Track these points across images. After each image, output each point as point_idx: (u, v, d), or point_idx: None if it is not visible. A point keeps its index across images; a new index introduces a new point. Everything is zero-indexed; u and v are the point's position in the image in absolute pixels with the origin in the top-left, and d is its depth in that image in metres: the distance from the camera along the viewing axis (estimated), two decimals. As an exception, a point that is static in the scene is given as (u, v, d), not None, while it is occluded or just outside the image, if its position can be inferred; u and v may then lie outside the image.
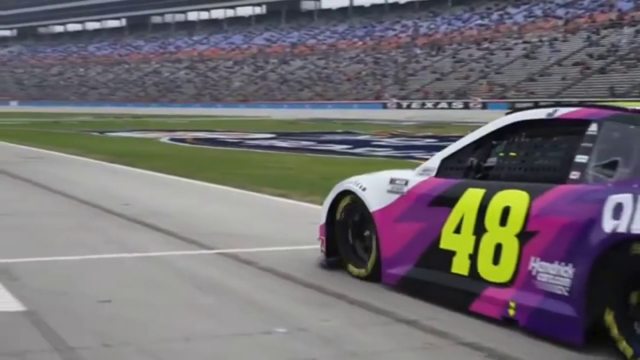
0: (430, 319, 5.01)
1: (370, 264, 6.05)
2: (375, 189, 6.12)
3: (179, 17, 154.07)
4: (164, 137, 34.66)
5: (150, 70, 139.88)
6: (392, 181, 6.02)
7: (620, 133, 4.78)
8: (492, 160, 5.53)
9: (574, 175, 4.80)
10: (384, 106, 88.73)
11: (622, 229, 4.23)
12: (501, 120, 5.56)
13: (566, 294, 4.55)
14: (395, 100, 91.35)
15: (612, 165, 4.70)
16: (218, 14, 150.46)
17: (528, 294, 4.79)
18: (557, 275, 4.62)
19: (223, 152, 24.89)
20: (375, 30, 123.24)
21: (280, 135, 38.18)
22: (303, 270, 6.46)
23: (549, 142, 5.23)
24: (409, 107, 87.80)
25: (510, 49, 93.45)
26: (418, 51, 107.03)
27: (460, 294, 5.22)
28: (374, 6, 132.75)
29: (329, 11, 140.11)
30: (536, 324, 4.71)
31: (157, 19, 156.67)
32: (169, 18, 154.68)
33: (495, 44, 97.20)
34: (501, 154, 5.49)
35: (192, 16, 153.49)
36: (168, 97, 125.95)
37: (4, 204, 10.51)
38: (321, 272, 6.40)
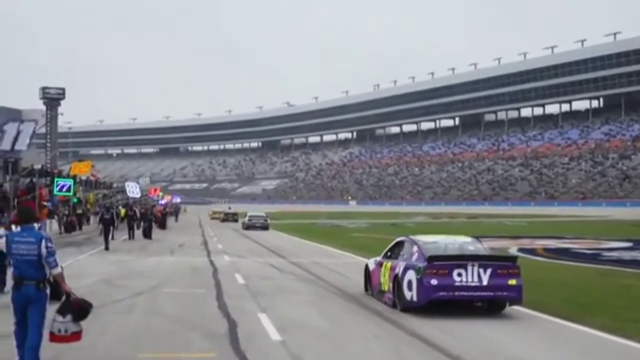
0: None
1: (371, 291, 16.01)
2: (372, 262, 16.26)
3: (512, 114, 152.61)
4: (512, 247, 32.50)
5: (483, 168, 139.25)
6: (375, 260, 16.21)
7: (405, 244, 15.09)
8: (395, 250, 15.39)
9: (408, 255, 14.40)
10: None
11: (398, 270, 14.24)
12: (396, 240, 15.79)
13: (390, 288, 14.49)
14: None
15: (399, 251, 15.07)
16: (552, 109, 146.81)
17: (388, 293, 14.61)
18: (387, 286, 14.71)
19: (589, 272, 21.97)
20: None
21: (638, 244, 34.50)
22: None
23: (402, 248, 14.95)
24: None
25: None
26: None
27: (382, 297, 14.93)
28: None
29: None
30: (386, 303, 14.53)
31: (490, 117, 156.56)
32: (502, 115, 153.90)
33: None
34: (395, 249, 15.29)
35: (526, 112, 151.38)
36: (501, 195, 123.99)
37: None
38: None
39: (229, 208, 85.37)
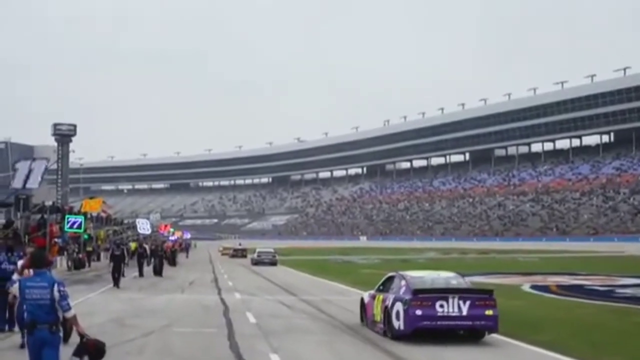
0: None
1: (366, 321, 17.43)
2: (367, 296, 17.79)
3: (523, 149, 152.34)
4: (525, 284, 32.24)
5: (494, 204, 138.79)
6: (369, 293, 17.64)
7: (395, 279, 16.62)
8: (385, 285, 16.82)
9: (397, 289, 15.94)
10: None
11: (388, 302, 15.69)
12: (387, 274, 17.43)
13: (381, 319, 16.02)
14: None
15: (389, 285, 16.46)
16: (563, 144, 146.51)
17: (380, 324, 16.08)
18: (379, 317, 16.27)
19: (602, 309, 21.76)
20: None
21: (652, 280, 34.24)
22: None
23: (392, 282, 16.51)
24: None
25: None
26: None
27: (375, 326, 16.56)
28: None
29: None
30: (378, 332, 16.06)
31: (500, 152, 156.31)
32: (512, 150, 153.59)
33: None
34: (386, 284, 16.71)
35: (536, 147, 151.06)
36: (512, 230, 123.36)
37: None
38: None
39: (239, 244, 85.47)
